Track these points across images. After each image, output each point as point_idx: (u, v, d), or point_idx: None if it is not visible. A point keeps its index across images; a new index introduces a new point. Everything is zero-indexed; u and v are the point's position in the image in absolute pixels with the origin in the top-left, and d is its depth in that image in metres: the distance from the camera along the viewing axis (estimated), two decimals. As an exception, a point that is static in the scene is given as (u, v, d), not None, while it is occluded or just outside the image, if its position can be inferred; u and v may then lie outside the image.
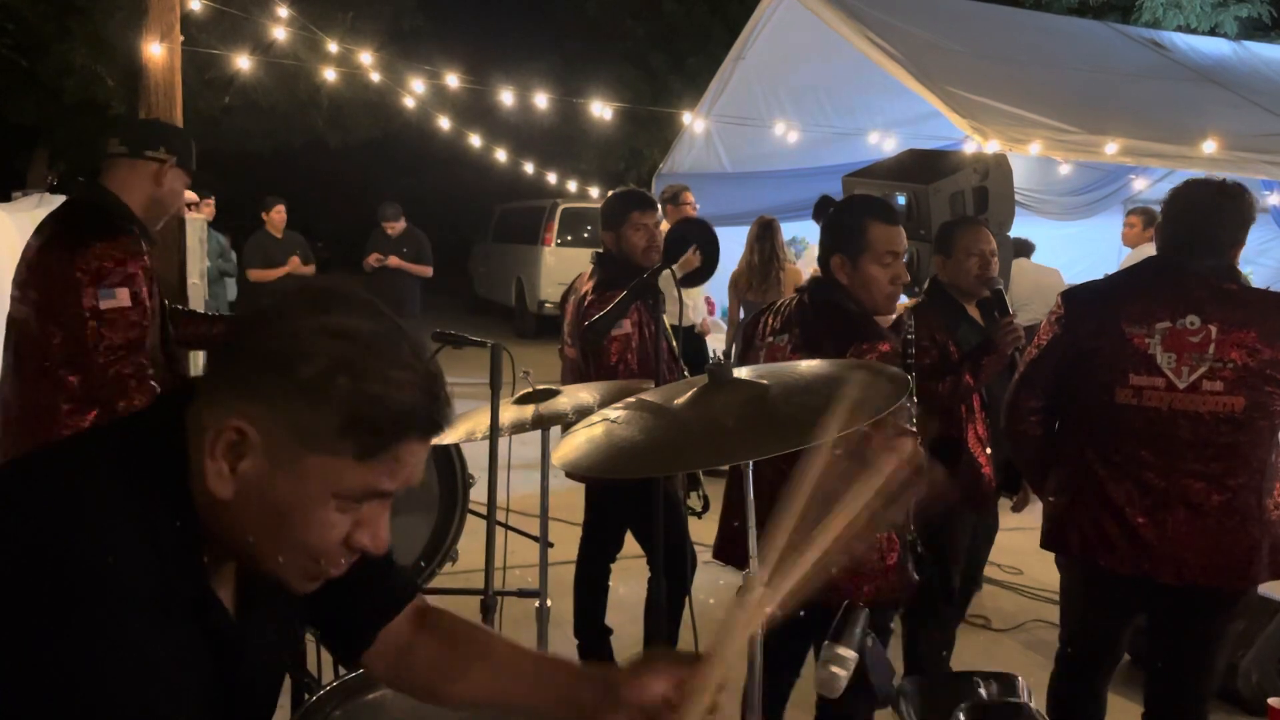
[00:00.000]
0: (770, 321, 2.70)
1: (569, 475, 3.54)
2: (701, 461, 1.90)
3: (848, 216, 2.62)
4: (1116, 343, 2.50)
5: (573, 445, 1.66)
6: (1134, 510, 2.50)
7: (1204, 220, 2.53)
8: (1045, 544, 2.73)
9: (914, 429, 2.55)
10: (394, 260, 8.44)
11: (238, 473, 0.93)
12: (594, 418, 1.73)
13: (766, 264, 6.21)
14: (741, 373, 1.72)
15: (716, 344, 7.08)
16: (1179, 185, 2.63)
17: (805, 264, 6.80)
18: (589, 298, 3.34)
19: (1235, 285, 2.51)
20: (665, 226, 6.76)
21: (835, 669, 1.59)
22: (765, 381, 1.65)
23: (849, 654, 1.60)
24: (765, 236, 6.22)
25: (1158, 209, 7.01)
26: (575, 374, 3.42)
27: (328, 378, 0.91)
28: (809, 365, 1.93)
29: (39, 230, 2.55)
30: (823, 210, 2.69)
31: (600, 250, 3.49)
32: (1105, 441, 2.55)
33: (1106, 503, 2.53)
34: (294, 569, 0.99)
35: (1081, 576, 2.70)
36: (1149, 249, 6.56)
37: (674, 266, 3.30)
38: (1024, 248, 6.34)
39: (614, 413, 1.68)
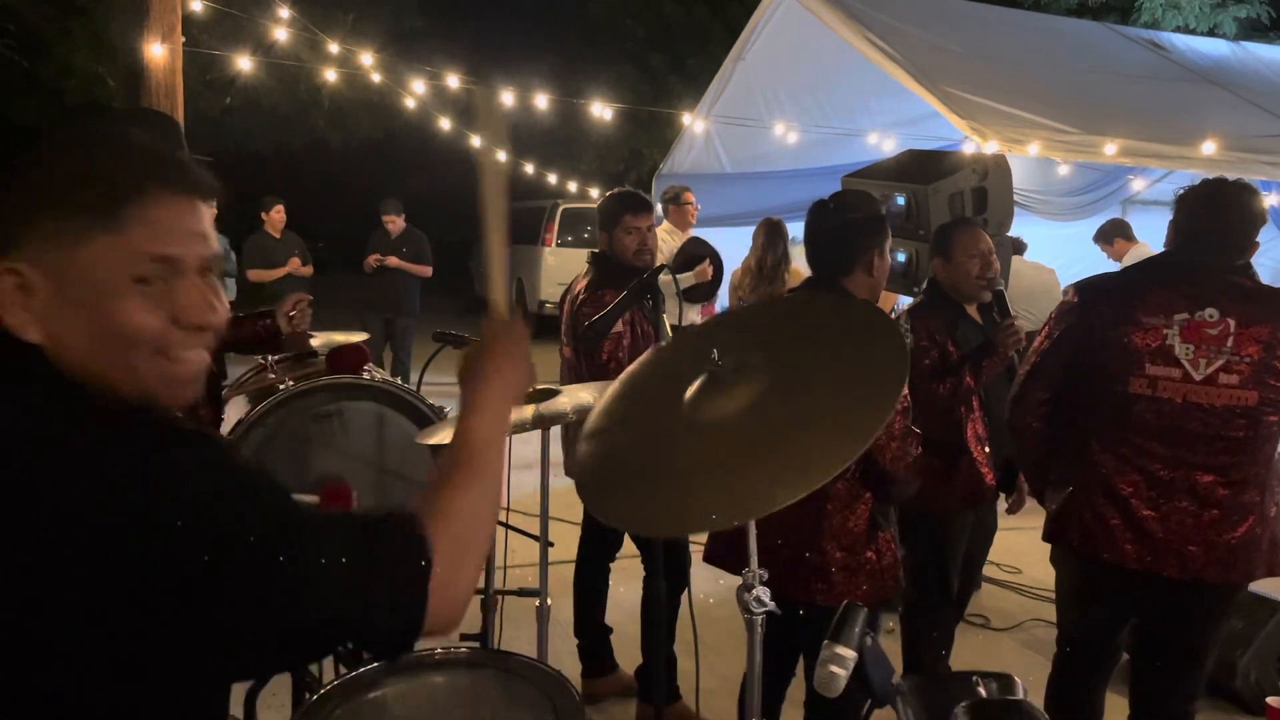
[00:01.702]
0: None
1: (567, 473, 3.54)
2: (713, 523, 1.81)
3: (872, 211, 2.68)
4: (1134, 332, 2.50)
5: (589, 469, 1.61)
6: (1139, 502, 2.51)
7: (1222, 218, 2.54)
8: (1046, 536, 2.74)
9: (916, 429, 2.56)
10: (394, 260, 8.44)
11: (35, 313, 0.94)
12: (591, 435, 1.68)
13: (776, 266, 6.17)
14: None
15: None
16: (1195, 184, 2.63)
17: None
18: (580, 297, 3.35)
19: (1249, 281, 2.52)
20: (666, 226, 6.83)
21: (834, 669, 1.60)
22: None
23: (848, 653, 1.61)
24: (777, 238, 6.16)
25: (1114, 219, 6.86)
26: (571, 373, 3.44)
27: (48, 176, 0.94)
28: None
29: None
30: (823, 213, 2.70)
31: (596, 250, 3.50)
32: (1113, 433, 2.56)
33: (1112, 495, 2.54)
34: (150, 373, 0.98)
35: (1080, 572, 2.70)
36: (1141, 249, 6.62)
37: (687, 274, 3.31)
38: (1016, 246, 6.34)
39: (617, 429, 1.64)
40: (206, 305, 1.00)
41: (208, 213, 1.01)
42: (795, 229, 8.32)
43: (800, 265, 6.67)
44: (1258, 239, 2.60)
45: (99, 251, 0.94)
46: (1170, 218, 2.66)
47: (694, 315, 6.75)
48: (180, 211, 0.98)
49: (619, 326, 3.16)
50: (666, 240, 6.67)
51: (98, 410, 0.94)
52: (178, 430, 0.95)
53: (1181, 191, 2.65)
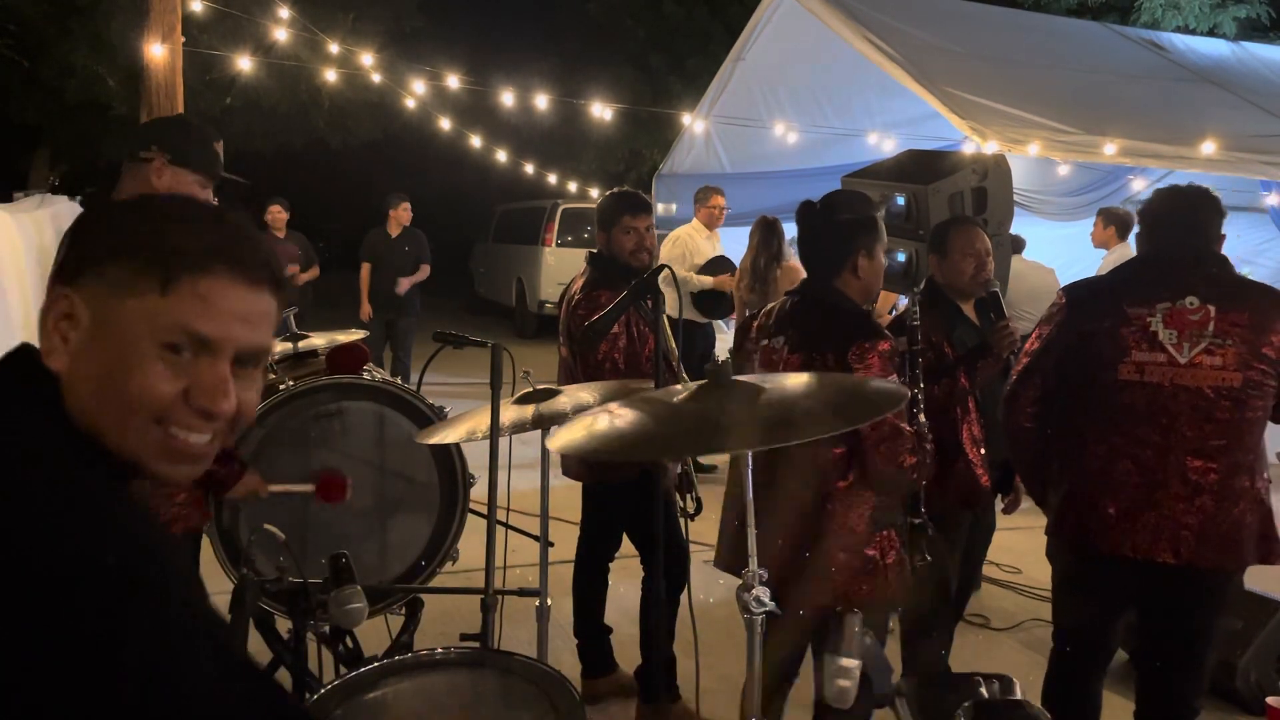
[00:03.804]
0: (762, 324, 2.72)
1: (565, 473, 3.54)
2: (692, 449, 1.92)
3: (860, 212, 2.67)
4: (1119, 322, 2.61)
5: (567, 433, 1.67)
6: (1132, 490, 2.57)
7: (1180, 210, 2.69)
8: (1048, 530, 2.80)
9: (924, 431, 2.57)
10: (404, 284, 8.45)
11: (69, 344, 0.96)
12: (589, 412, 1.75)
13: (769, 265, 6.17)
14: (742, 380, 1.73)
15: (719, 345, 7.10)
16: (1150, 197, 2.81)
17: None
18: (576, 298, 3.36)
19: (1227, 274, 2.64)
20: (694, 224, 7.02)
21: (842, 682, 1.61)
22: (765, 386, 1.66)
23: (852, 664, 1.62)
24: (771, 237, 6.16)
25: (1128, 210, 6.96)
26: (566, 373, 3.44)
27: (126, 232, 0.98)
28: (811, 378, 1.95)
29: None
30: (809, 214, 2.70)
31: (594, 250, 3.50)
32: (1105, 423, 2.63)
33: (1105, 485, 2.61)
34: (142, 440, 0.97)
35: (1076, 564, 2.75)
36: (1123, 249, 6.63)
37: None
38: (1015, 244, 6.33)
39: (611, 406, 1.70)
40: (220, 392, 0.98)
41: (267, 304, 1.02)
42: (795, 229, 8.36)
43: (798, 263, 6.65)
44: (1221, 229, 2.71)
45: (143, 309, 0.95)
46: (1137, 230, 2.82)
47: (693, 312, 6.76)
48: (236, 297, 0.99)
49: (614, 327, 3.17)
50: (693, 236, 6.79)
51: (77, 462, 0.92)
52: (148, 522, 0.92)
53: (1141, 207, 2.84)
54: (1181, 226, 2.67)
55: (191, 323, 0.96)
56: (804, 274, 2.76)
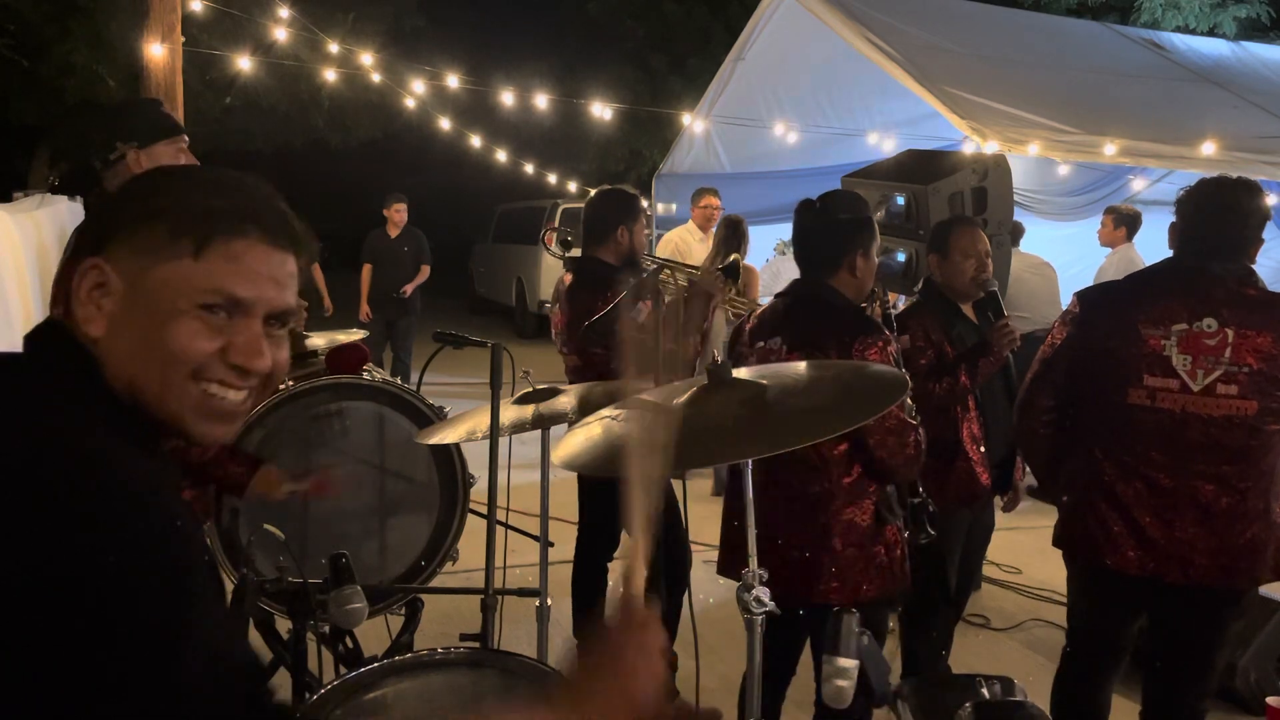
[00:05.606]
0: (753, 327, 2.73)
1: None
2: (702, 460, 1.92)
3: (858, 212, 2.69)
4: (1132, 343, 2.51)
5: (572, 444, 1.67)
6: (1141, 510, 2.51)
7: (1225, 219, 2.53)
8: (1055, 542, 2.76)
9: (915, 420, 2.57)
10: (408, 289, 8.51)
11: (104, 310, 0.98)
12: (589, 420, 1.74)
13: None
14: (740, 373, 1.73)
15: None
16: (1196, 183, 2.62)
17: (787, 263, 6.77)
18: (602, 301, 3.28)
19: (1254, 290, 2.51)
20: (688, 226, 6.99)
21: (840, 682, 1.61)
22: (764, 382, 1.66)
23: (850, 664, 1.62)
24: (732, 238, 6.10)
25: (1137, 209, 6.88)
26: (580, 377, 3.43)
27: (152, 199, 1.01)
28: (807, 367, 1.95)
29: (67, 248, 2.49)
30: (807, 213, 2.71)
31: (580, 255, 3.47)
32: (1115, 441, 2.56)
33: (1114, 501, 2.55)
34: (181, 397, 0.99)
35: (1087, 574, 2.71)
36: (1127, 250, 6.62)
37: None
38: (1014, 231, 6.25)
39: (612, 412, 1.69)
40: (255, 350, 1.02)
41: (292, 265, 1.05)
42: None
43: (751, 264, 6.56)
44: (1263, 236, 2.59)
45: (178, 272, 0.98)
46: (1172, 220, 2.65)
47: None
48: (266, 258, 1.02)
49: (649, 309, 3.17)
50: (685, 239, 6.73)
51: (109, 428, 0.94)
52: (173, 498, 0.92)
53: (1183, 194, 2.64)
54: (1216, 230, 2.52)
55: (225, 284, 0.99)
56: (756, 274, 2.79)
